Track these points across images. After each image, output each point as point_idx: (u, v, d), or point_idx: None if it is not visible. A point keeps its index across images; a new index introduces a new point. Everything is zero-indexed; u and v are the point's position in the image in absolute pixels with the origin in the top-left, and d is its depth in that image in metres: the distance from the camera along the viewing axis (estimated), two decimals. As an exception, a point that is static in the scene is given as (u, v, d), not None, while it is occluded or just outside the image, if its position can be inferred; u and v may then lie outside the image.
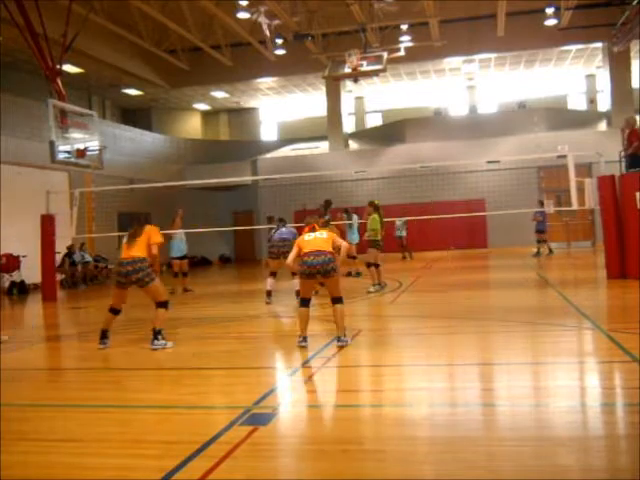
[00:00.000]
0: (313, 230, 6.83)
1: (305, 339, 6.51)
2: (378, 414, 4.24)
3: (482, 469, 3.13)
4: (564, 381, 4.82)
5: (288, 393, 4.98)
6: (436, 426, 3.85)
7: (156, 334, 7.03)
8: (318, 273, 6.47)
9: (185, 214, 14.29)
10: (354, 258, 14.42)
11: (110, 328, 7.32)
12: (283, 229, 11.11)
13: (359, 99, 30.93)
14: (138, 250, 7.21)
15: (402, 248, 21.63)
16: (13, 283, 16.16)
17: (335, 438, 3.71)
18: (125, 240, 7.34)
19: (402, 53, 15.19)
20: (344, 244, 6.90)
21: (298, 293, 10.07)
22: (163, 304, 7.25)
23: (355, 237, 15.75)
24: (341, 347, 6.38)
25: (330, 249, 6.60)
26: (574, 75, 28.63)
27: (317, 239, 6.66)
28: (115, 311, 7.34)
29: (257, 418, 4.05)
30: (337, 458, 3.39)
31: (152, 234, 7.34)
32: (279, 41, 21.90)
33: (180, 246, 13.84)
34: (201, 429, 3.92)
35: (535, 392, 4.67)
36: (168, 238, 13.50)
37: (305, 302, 6.63)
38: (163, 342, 7.06)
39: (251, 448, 3.52)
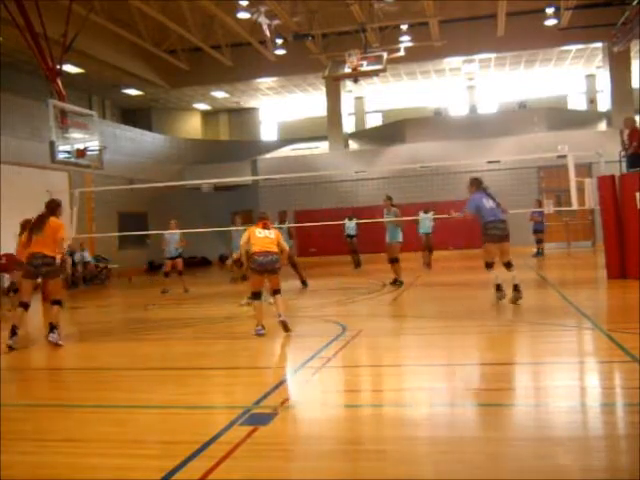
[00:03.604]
0: (265, 227, 7.59)
1: (263, 327, 7.29)
2: (378, 414, 4.23)
3: (482, 469, 3.13)
4: (564, 381, 4.81)
5: (288, 393, 4.98)
6: (436, 426, 3.84)
7: (53, 328, 7.31)
8: (266, 271, 7.37)
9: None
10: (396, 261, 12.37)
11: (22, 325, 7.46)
12: (491, 202, 8.92)
13: (359, 99, 30.93)
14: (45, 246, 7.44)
15: (352, 252, 18.75)
16: (13, 283, 16.15)
17: (335, 438, 3.71)
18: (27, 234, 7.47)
19: (402, 53, 15.20)
20: (286, 247, 7.83)
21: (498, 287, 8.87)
22: (59, 301, 7.62)
23: (399, 235, 12.44)
24: (286, 327, 7.25)
25: (276, 249, 7.46)
26: (574, 75, 28.64)
27: (267, 238, 7.47)
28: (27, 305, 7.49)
29: (257, 418, 4.05)
30: (337, 458, 3.39)
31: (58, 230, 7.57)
32: (279, 41, 21.90)
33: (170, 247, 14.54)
34: (201, 429, 3.92)
35: (535, 392, 4.66)
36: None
37: (257, 295, 7.45)
38: (57, 337, 7.28)
39: (251, 448, 3.51)
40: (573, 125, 24.62)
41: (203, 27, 21.50)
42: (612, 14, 19.51)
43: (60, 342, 7.28)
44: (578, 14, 20.65)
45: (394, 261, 12.35)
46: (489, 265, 8.91)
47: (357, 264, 18.47)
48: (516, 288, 8.72)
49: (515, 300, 8.68)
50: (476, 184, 9.10)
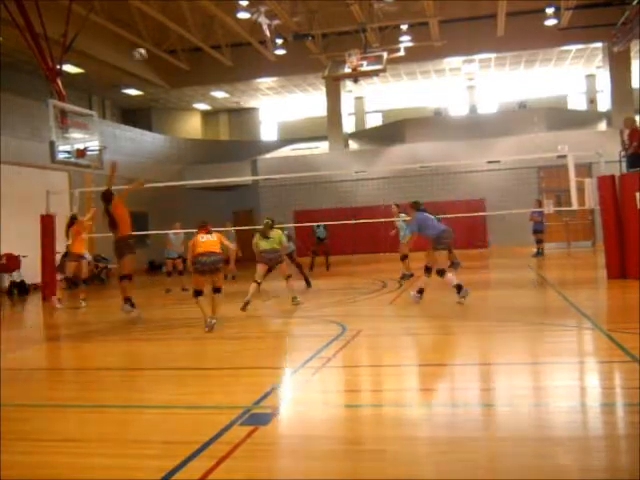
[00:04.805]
0: (207, 232, 8.22)
1: (213, 317, 7.84)
2: (378, 414, 4.23)
3: (482, 469, 3.13)
4: (564, 381, 4.82)
5: (288, 393, 4.98)
6: (436, 426, 3.85)
7: (127, 300, 9.58)
8: (209, 270, 7.93)
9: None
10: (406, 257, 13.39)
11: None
12: (432, 218, 9.61)
13: (359, 99, 30.93)
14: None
15: (324, 254, 18.89)
16: (13, 283, 16.15)
17: (335, 438, 3.71)
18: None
19: (402, 53, 15.19)
20: (230, 245, 8.57)
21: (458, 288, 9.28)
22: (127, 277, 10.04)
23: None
24: (211, 327, 7.69)
25: (219, 249, 8.07)
26: (574, 75, 28.63)
27: (209, 241, 8.10)
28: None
29: (257, 418, 4.05)
30: (337, 458, 3.39)
31: None
32: (279, 41, 21.89)
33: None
34: (201, 429, 3.91)
35: (535, 392, 4.67)
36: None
37: (199, 293, 8.04)
38: (128, 307, 9.54)
39: (251, 448, 3.52)
40: (573, 125, 24.61)
41: (203, 27, 21.49)
42: (612, 14, 19.52)
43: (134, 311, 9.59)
44: (578, 14, 20.64)
45: (403, 258, 13.37)
46: (430, 270, 9.51)
47: (327, 266, 18.74)
48: (459, 288, 9.20)
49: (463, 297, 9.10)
50: (415, 207, 9.69)
